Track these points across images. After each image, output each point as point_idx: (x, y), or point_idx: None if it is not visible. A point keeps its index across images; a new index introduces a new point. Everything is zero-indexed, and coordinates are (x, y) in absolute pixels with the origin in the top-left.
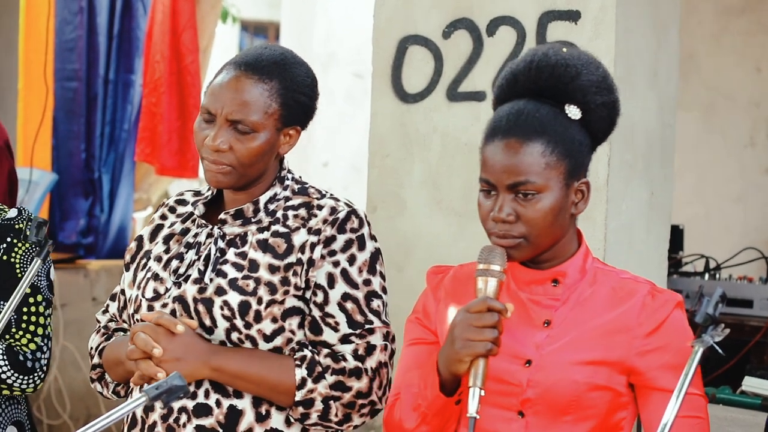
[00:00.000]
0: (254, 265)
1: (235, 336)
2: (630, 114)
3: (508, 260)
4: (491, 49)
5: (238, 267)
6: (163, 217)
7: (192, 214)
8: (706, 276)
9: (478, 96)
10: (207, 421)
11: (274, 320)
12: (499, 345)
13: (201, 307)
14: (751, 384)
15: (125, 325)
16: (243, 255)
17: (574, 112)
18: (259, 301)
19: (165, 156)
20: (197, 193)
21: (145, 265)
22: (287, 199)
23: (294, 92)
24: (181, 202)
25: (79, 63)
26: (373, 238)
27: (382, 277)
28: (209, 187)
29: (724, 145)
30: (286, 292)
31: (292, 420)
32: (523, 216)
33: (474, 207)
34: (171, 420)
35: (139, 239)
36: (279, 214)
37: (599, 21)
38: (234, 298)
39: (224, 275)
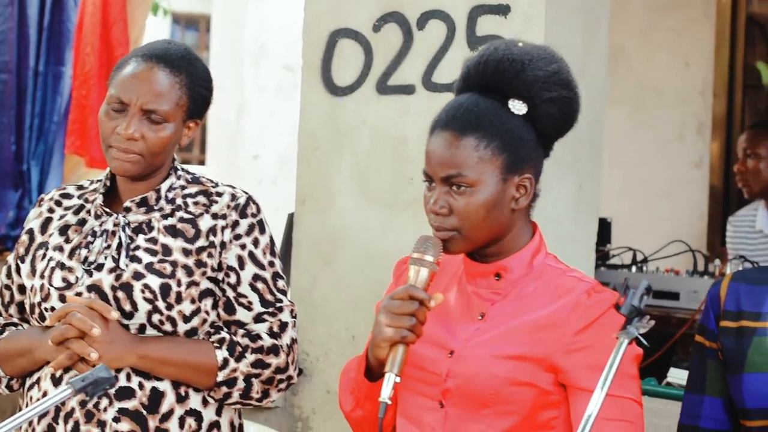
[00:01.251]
0: (167, 250)
1: (156, 318)
2: None
3: (445, 252)
4: (421, 42)
5: (152, 252)
6: (51, 210)
7: (83, 206)
8: (634, 269)
9: (407, 89)
10: (130, 404)
11: (193, 301)
12: (419, 334)
13: (120, 294)
14: (676, 375)
15: (14, 320)
16: (153, 240)
17: (518, 106)
18: (179, 283)
19: (95, 148)
20: (80, 187)
21: (44, 255)
22: (183, 187)
23: (199, 86)
24: (66, 195)
25: (10, 55)
26: (267, 224)
27: (279, 259)
28: (99, 179)
29: (653, 139)
30: (203, 274)
31: (210, 400)
32: (455, 209)
33: (403, 199)
34: (90, 405)
35: (30, 232)
36: (179, 202)
37: (528, 15)
38: (154, 281)
39: (139, 260)
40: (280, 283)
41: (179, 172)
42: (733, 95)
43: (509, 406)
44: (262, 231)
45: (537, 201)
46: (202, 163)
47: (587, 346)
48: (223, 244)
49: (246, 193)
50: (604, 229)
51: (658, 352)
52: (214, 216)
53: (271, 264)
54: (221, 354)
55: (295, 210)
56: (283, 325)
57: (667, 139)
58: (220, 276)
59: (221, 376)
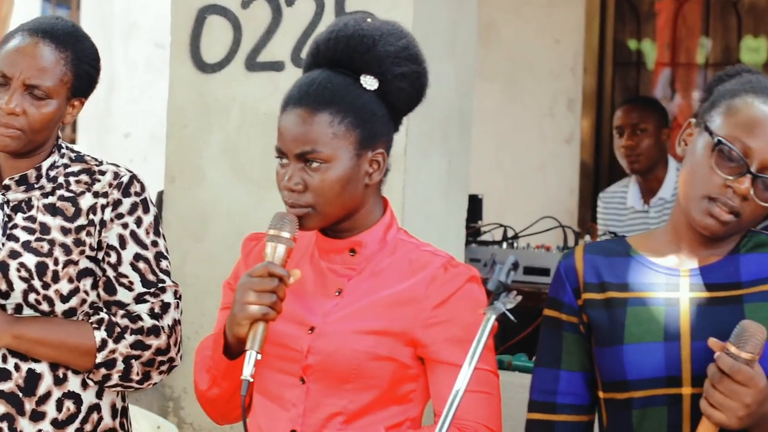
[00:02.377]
0: (45, 228)
1: (32, 297)
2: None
3: (301, 228)
4: (290, 19)
5: (29, 230)
6: None
7: None
8: (504, 245)
9: (276, 66)
10: (6, 386)
11: (71, 280)
12: (279, 310)
13: None
14: None
15: None
16: (32, 219)
17: (369, 82)
18: (56, 262)
19: None
20: None
21: None
22: (66, 166)
23: (85, 64)
24: None
25: None
26: (152, 202)
27: (164, 239)
28: None
29: (524, 115)
30: (82, 252)
31: (90, 383)
32: (310, 185)
33: (272, 176)
34: None
35: None
36: (61, 180)
37: None
38: (30, 260)
39: (16, 239)
40: (164, 263)
41: (63, 150)
42: (603, 72)
43: (370, 381)
44: (146, 210)
45: (405, 176)
46: (72, 142)
47: (446, 320)
48: (103, 223)
49: (130, 171)
50: (475, 205)
51: (529, 328)
52: (96, 194)
53: (155, 243)
54: (100, 335)
55: (165, 188)
56: (165, 306)
57: (538, 114)
58: (100, 255)
59: (100, 358)
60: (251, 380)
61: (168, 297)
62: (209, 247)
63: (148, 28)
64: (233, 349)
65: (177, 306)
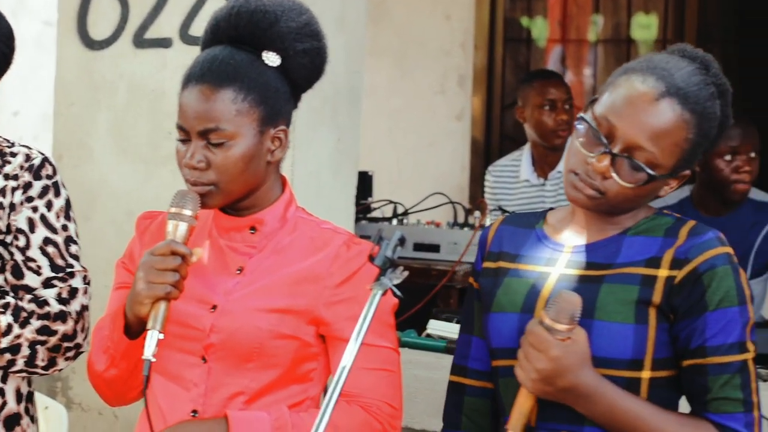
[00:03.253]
0: None
1: None
2: None
3: (202, 207)
4: None
5: None
6: None
7: None
8: (395, 221)
9: (164, 43)
10: None
11: None
12: (181, 289)
13: None
14: (435, 327)
15: None
16: None
17: (272, 58)
18: None
19: None
20: None
21: None
22: None
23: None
24: None
25: None
26: (63, 185)
27: (75, 223)
28: None
29: (415, 92)
30: None
31: None
32: (213, 163)
33: (161, 154)
34: None
35: None
36: None
37: None
38: None
39: None
40: (73, 248)
41: None
42: (494, 48)
43: (273, 360)
44: (57, 193)
45: (294, 153)
46: None
47: (349, 298)
48: (12, 206)
49: (42, 154)
50: (366, 182)
51: (419, 305)
52: (6, 177)
53: (65, 228)
54: (5, 319)
55: None
56: (73, 291)
57: (428, 91)
58: (9, 239)
59: (5, 343)
60: (154, 360)
61: (76, 282)
62: (97, 225)
63: (37, 6)
64: (133, 329)
65: (85, 291)
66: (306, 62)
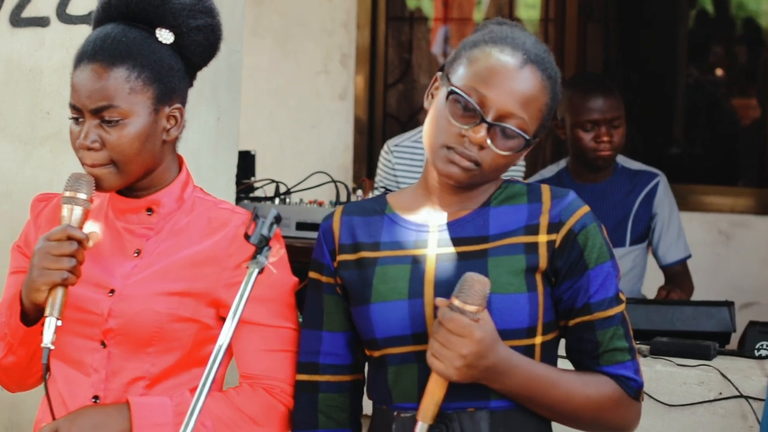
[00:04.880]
0: None
1: None
2: None
3: (99, 189)
4: None
5: None
6: None
7: None
8: (277, 201)
9: (41, 21)
10: None
11: None
12: (78, 274)
13: None
14: None
15: None
16: None
17: (165, 35)
18: None
19: None
20: None
21: None
22: None
23: None
24: None
25: None
26: None
27: None
28: None
29: (298, 71)
30: None
31: None
32: (108, 142)
33: (39, 134)
34: None
35: None
36: None
37: None
38: None
39: None
40: None
41: None
42: (376, 27)
43: (172, 343)
44: None
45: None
46: None
47: None
48: None
49: None
50: (248, 161)
51: (302, 283)
52: None
53: None
54: None
55: None
56: None
57: (311, 71)
58: None
59: None
60: (52, 347)
61: None
62: None
63: None
64: (30, 316)
65: None
66: (200, 39)
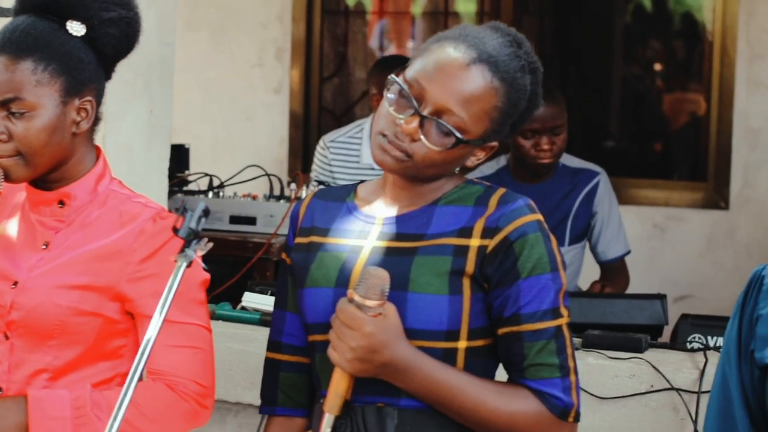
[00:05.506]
0: None
1: None
2: None
3: (8, 180)
4: None
5: None
6: None
7: None
8: (210, 194)
9: None
10: None
11: None
12: None
13: None
14: (250, 299)
15: None
16: None
17: (76, 28)
18: None
19: None
20: None
21: None
22: None
23: None
24: None
25: None
26: None
27: None
28: None
29: (232, 65)
30: None
31: None
32: (15, 135)
33: None
34: None
35: None
36: None
37: None
38: None
39: None
40: None
41: None
42: (312, 20)
43: (75, 337)
44: None
45: (106, 126)
46: None
47: (153, 274)
48: None
49: None
50: (182, 155)
51: (234, 277)
52: None
53: None
54: None
55: None
56: None
57: (246, 64)
58: None
59: None
60: None
61: None
62: None
63: None
64: None
65: None
66: (114, 32)
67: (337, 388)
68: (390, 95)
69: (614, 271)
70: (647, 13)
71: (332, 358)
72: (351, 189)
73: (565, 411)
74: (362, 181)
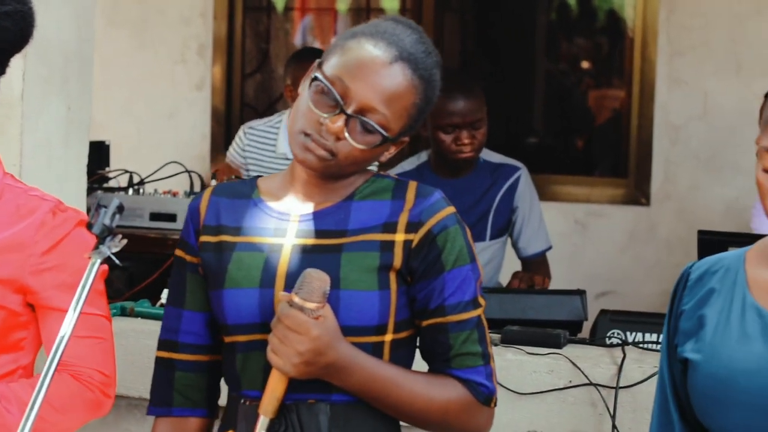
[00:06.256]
0: None
1: None
2: (45, 27)
3: None
4: None
5: None
6: None
7: None
8: (131, 191)
9: None
10: None
11: None
12: None
13: None
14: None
15: None
16: None
17: None
18: None
19: None
20: None
21: None
22: None
23: None
24: None
25: None
26: None
27: None
28: None
29: (154, 61)
30: None
31: None
32: None
33: None
34: None
35: None
36: None
37: None
38: None
39: None
40: None
41: None
42: (234, 17)
43: None
44: None
45: (23, 122)
46: None
47: (55, 266)
48: None
49: None
50: (102, 152)
51: (154, 275)
52: None
53: None
54: None
55: None
56: None
57: (168, 60)
58: None
59: None
60: None
61: None
62: None
63: None
64: None
65: None
66: (8, 25)
67: (275, 391)
68: (310, 92)
69: (535, 267)
70: (571, 10)
71: (274, 363)
72: (251, 185)
73: (489, 397)
74: (259, 176)
